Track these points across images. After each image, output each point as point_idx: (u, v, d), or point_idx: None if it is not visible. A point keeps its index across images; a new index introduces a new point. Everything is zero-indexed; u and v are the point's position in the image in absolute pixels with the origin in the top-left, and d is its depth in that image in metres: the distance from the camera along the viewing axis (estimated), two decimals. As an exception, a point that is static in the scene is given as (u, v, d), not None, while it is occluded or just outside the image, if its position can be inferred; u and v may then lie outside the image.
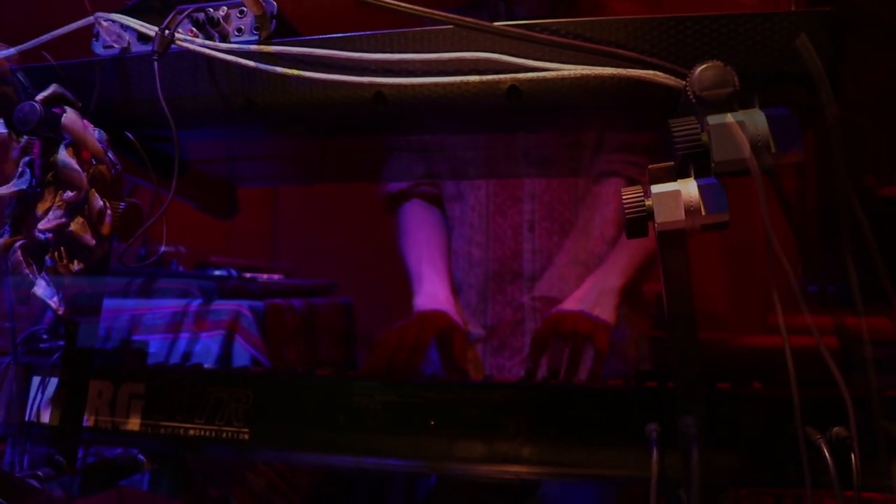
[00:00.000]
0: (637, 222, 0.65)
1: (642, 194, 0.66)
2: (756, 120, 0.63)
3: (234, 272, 1.40)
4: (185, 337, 1.28)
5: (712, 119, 0.64)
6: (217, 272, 1.40)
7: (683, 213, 0.64)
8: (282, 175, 1.01)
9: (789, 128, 0.64)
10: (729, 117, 0.64)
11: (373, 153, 0.90)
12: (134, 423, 0.89)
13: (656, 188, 0.65)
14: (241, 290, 1.35)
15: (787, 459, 0.72)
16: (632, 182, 1.31)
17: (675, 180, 0.66)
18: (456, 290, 1.39)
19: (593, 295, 1.18)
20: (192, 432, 0.87)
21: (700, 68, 0.63)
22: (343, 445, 0.83)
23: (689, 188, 0.65)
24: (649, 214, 0.65)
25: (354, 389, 0.87)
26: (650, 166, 0.66)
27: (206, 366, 1.01)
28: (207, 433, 0.87)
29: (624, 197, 0.66)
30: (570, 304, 1.18)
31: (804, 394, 0.67)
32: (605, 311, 1.16)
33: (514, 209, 1.35)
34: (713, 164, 0.64)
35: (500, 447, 0.80)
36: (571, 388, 0.83)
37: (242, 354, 1.26)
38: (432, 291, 1.30)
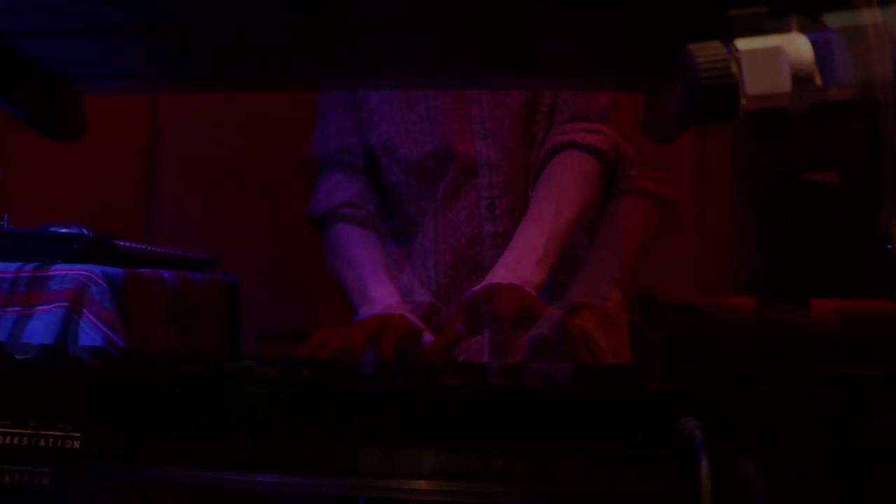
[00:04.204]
0: (716, 94, 0.41)
1: (724, 53, 0.42)
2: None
3: (85, 231, 1.08)
4: (12, 311, 0.96)
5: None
6: (63, 230, 1.08)
7: (789, 80, 0.41)
8: (153, 70, 0.70)
9: None
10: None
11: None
12: None
13: (745, 43, 0.41)
14: (94, 254, 1.04)
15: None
16: (596, 154, 1.10)
17: (772, 33, 0.42)
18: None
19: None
20: (-8, 439, 0.57)
21: None
22: (227, 456, 0.55)
23: (796, 44, 0.41)
24: (734, 83, 0.41)
25: (245, 375, 0.61)
26: (732, 12, 0.42)
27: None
28: (17, 440, 0.57)
29: (697, 57, 0.41)
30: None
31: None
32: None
33: (468, 185, 1.12)
34: None
35: (460, 457, 0.54)
36: (563, 369, 0.59)
37: (91, 334, 0.95)
38: (382, 298, 1.08)
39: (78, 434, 0.56)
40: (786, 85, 0.40)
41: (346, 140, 1.23)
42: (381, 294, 1.10)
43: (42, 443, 0.56)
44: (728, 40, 0.42)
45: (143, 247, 1.25)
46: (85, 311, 0.96)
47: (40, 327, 0.95)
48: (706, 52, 0.41)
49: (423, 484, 0.55)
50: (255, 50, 0.68)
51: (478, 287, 0.96)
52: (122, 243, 1.16)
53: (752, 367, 0.56)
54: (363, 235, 1.21)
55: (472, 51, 0.68)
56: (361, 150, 1.22)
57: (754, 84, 0.41)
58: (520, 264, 1.00)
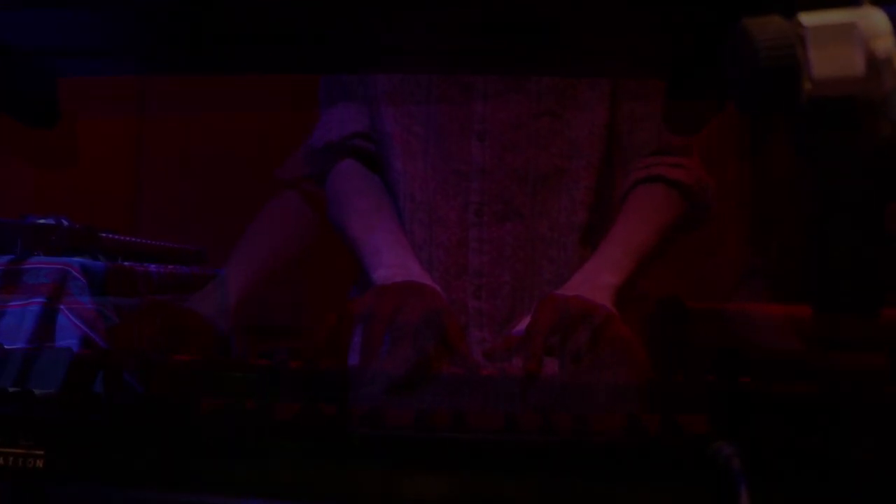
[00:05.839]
0: (777, 77, 0.35)
1: (787, 29, 0.36)
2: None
3: (65, 221, 1.02)
4: (-17, 307, 0.90)
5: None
6: (41, 221, 1.02)
7: (863, 62, 0.35)
8: (133, 50, 0.64)
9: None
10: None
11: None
12: None
13: (811, 18, 0.36)
14: (73, 245, 0.98)
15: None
16: (681, 189, 1.05)
17: (841, 6, 0.36)
18: None
19: (585, 290, 0.90)
20: (-56, 456, 0.52)
21: None
22: (212, 479, 0.50)
23: (871, 20, 0.35)
24: (798, 65, 0.35)
25: (241, 383, 0.55)
26: (794, -18, 0.36)
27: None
28: (-28, 457, 0.52)
29: (756, 34, 0.35)
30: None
31: None
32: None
33: (457, 188, 1.06)
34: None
35: (484, 486, 0.49)
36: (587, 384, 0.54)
37: (69, 332, 0.90)
38: (402, 263, 1.00)
39: (41, 452, 0.50)
40: (859, 68, 0.35)
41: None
42: (395, 259, 1.03)
43: (1, 461, 0.51)
44: (789, 14, 0.36)
45: (128, 239, 1.19)
46: (63, 307, 0.91)
47: (14, 326, 0.89)
48: (765, 28, 0.35)
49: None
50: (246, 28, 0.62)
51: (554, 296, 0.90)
52: (105, 235, 1.10)
53: (795, 381, 0.50)
54: (374, 180, 1.13)
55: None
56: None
57: (822, 66, 0.35)
58: (596, 269, 0.97)
